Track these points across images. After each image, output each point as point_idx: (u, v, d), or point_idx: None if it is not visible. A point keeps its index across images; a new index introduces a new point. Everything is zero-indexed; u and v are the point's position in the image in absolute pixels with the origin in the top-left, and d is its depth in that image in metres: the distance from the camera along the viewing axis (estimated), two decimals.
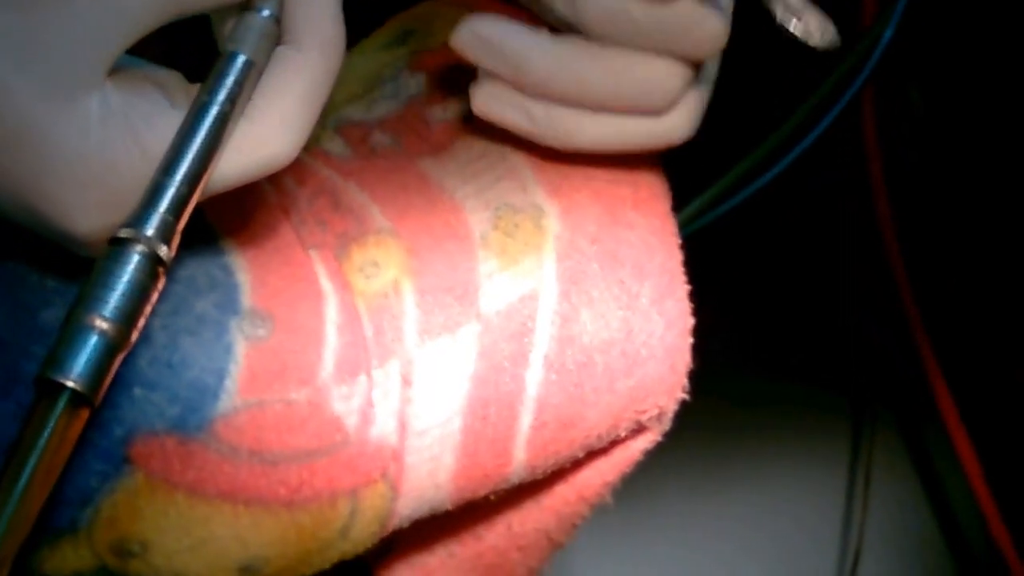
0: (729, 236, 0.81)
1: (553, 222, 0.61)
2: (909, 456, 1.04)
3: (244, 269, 0.57)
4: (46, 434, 0.46)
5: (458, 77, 0.63)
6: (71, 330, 0.47)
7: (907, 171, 0.95)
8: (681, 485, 1.03)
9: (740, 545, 1.03)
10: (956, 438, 0.95)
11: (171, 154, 0.49)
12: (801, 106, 0.81)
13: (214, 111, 0.49)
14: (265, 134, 0.51)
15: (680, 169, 0.67)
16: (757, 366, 1.03)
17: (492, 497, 0.64)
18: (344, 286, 0.58)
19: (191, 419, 0.55)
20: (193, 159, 0.49)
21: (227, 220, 0.58)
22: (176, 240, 0.49)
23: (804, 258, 1.00)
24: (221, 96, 0.49)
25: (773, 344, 1.03)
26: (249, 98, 0.50)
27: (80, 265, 0.53)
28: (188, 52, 0.55)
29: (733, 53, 0.62)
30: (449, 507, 0.62)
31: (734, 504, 1.04)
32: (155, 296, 0.48)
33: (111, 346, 0.47)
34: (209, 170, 0.49)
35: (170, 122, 0.49)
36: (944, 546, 1.03)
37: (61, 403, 0.46)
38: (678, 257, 0.63)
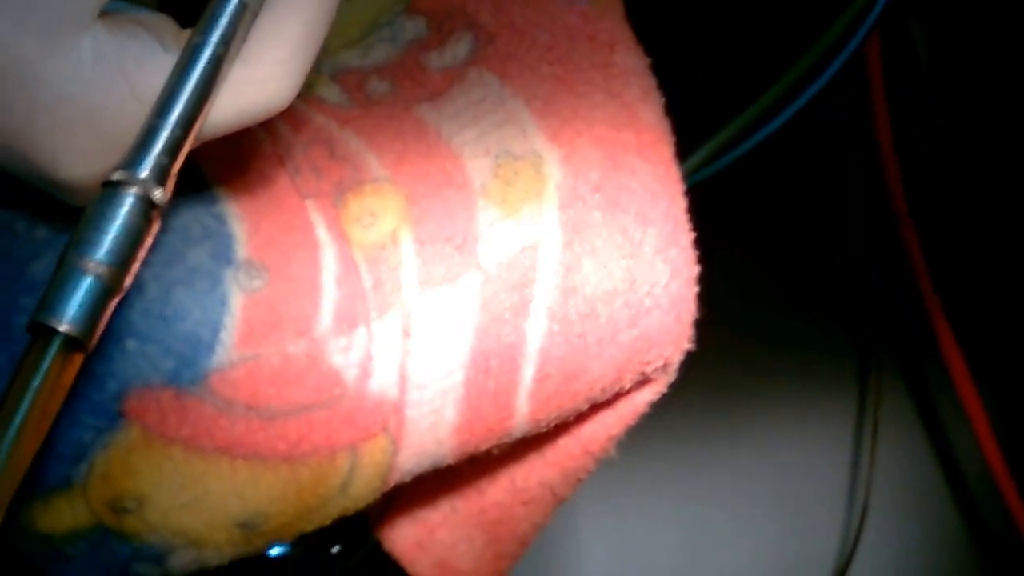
0: (733, 184, 0.79)
1: (554, 169, 0.60)
2: (916, 408, 1.03)
3: (238, 218, 0.56)
4: (39, 379, 0.45)
5: (456, 22, 0.62)
6: (63, 274, 0.45)
7: (912, 116, 0.93)
8: (685, 438, 1.02)
9: (747, 499, 1.02)
10: (962, 389, 0.94)
11: (165, 96, 0.48)
12: (806, 52, 0.80)
13: (208, 53, 0.48)
14: (261, 77, 0.50)
15: (685, 117, 0.66)
16: (761, 318, 1.02)
17: (495, 451, 0.63)
18: (341, 236, 0.57)
19: (186, 373, 0.54)
20: (187, 101, 0.48)
21: (221, 169, 0.57)
22: (171, 183, 0.48)
23: (809, 207, 0.99)
24: (215, 37, 0.48)
25: (778, 295, 1.02)
26: (244, 40, 0.49)
27: (71, 215, 0.52)
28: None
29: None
30: (451, 461, 0.61)
31: (740, 458, 1.03)
32: (149, 240, 0.47)
33: (105, 289, 0.46)
34: (204, 113, 0.48)
35: (162, 65, 0.48)
36: (951, 498, 1.02)
37: (54, 347, 0.45)
38: (682, 204, 0.62)
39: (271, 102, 0.50)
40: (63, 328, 0.45)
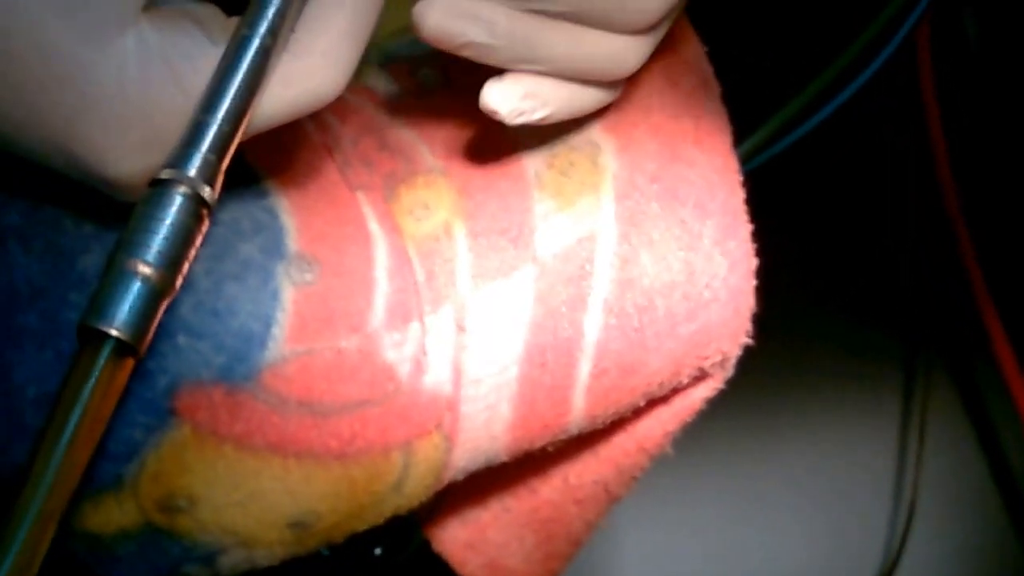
0: (779, 175, 0.78)
1: (610, 160, 0.58)
2: (964, 406, 1.01)
3: (289, 211, 0.55)
4: (90, 385, 0.44)
5: None
6: (113, 276, 0.45)
7: (963, 108, 0.92)
8: (727, 436, 1.00)
9: (791, 499, 1.01)
10: (1013, 387, 0.92)
11: (212, 91, 0.47)
12: (856, 40, 0.79)
13: (255, 44, 0.47)
14: (310, 68, 0.49)
15: (734, 105, 0.65)
16: (806, 311, 1.00)
17: (549, 448, 0.61)
18: (393, 229, 0.56)
19: (238, 368, 0.53)
20: (235, 95, 0.47)
21: (269, 161, 0.56)
22: (220, 181, 0.47)
23: (858, 198, 0.98)
24: (262, 29, 0.47)
25: (823, 288, 1.01)
26: (292, 30, 0.48)
27: (118, 210, 0.51)
28: None
29: None
30: (505, 459, 0.60)
31: (784, 457, 1.02)
32: (199, 239, 0.46)
33: (155, 292, 0.45)
34: (252, 107, 0.47)
35: (209, 58, 0.47)
36: (1000, 498, 1.01)
37: (105, 352, 0.44)
38: (740, 195, 0.61)
39: (321, 93, 0.49)
40: (114, 332, 0.44)
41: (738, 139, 0.67)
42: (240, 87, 0.47)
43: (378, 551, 0.75)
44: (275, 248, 0.54)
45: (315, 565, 0.70)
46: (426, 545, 0.73)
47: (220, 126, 0.46)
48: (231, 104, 0.47)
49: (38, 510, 0.43)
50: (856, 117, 0.79)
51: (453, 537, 0.69)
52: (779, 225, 0.66)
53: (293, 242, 0.54)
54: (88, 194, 0.51)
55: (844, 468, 1.01)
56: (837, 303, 1.01)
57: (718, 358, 0.62)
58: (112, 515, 0.54)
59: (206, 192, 0.46)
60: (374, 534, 0.63)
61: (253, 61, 0.47)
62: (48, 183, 0.52)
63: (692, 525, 0.99)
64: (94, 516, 0.54)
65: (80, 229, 0.53)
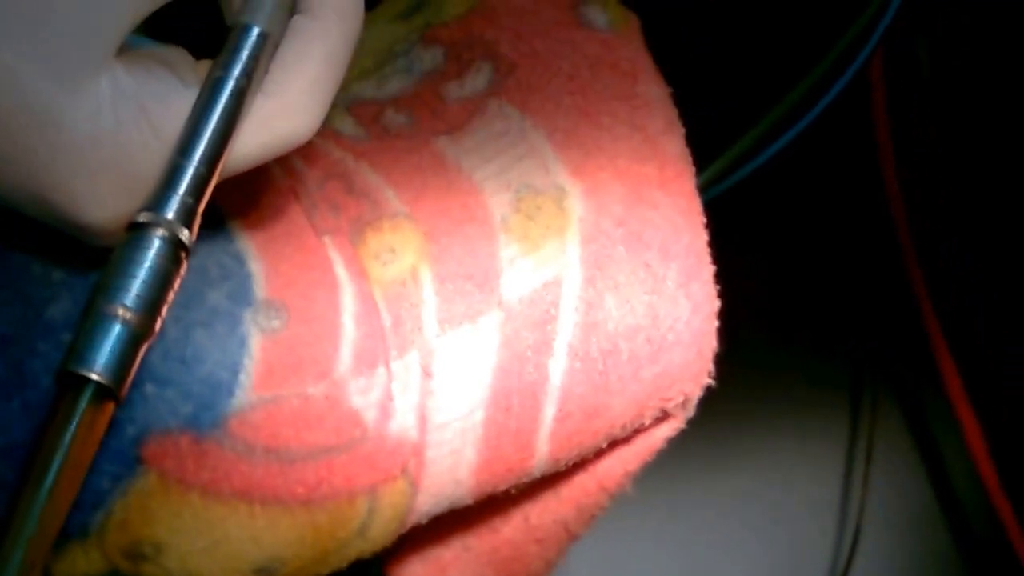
0: (733, 207, 0.78)
1: (576, 203, 0.58)
2: (910, 432, 1.02)
3: (256, 257, 0.55)
4: (71, 430, 0.44)
5: (475, 51, 0.60)
6: (92, 320, 0.44)
7: (915, 139, 0.93)
8: (676, 459, 1.01)
9: (739, 522, 1.02)
10: (960, 413, 0.93)
11: (187, 133, 0.47)
12: (810, 73, 0.79)
13: (230, 86, 0.47)
14: (284, 109, 0.48)
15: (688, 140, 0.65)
16: (755, 337, 1.01)
17: (513, 490, 0.61)
18: (360, 274, 0.55)
19: (205, 416, 0.53)
20: (211, 138, 0.47)
21: (236, 206, 0.55)
22: (197, 223, 0.47)
23: (810, 229, 0.98)
24: (236, 71, 0.47)
25: (772, 315, 1.01)
26: (266, 72, 0.48)
27: (87, 256, 0.51)
28: (174, 30, 0.52)
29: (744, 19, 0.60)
30: (469, 502, 0.60)
31: (732, 480, 1.02)
32: (177, 282, 0.46)
33: (135, 336, 0.45)
34: (228, 148, 0.47)
35: (183, 101, 0.47)
36: (945, 520, 1.02)
37: (85, 397, 0.44)
38: (704, 237, 0.61)
39: (295, 134, 0.49)
40: (94, 376, 0.44)
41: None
42: (216, 129, 0.47)
43: None
44: (243, 295, 0.54)
45: None
46: None
47: (197, 168, 0.46)
48: (207, 146, 0.46)
49: (21, 559, 0.43)
50: (809, 150, 0.79)
51: (413, 575, 0.69)
52: (729, 255, 0.66)
53: (260, 289, 0.54)
54: (56, 240, 0.50)
55: (790, 492, 1.02)
56: (784, 330, 1.02)
57: (680, 399, 0.62)
58: (77, 563, 0.54)
59: (184, 235, 0.46)
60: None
61: (228, 103, 0.47)
62: (15, 229, 0.52)
63: (639, 551, 1.00)
64: (59, 564, 0.54)
65: (48, 276, 0.52)
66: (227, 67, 0.47)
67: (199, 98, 0.47)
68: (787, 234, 0.99)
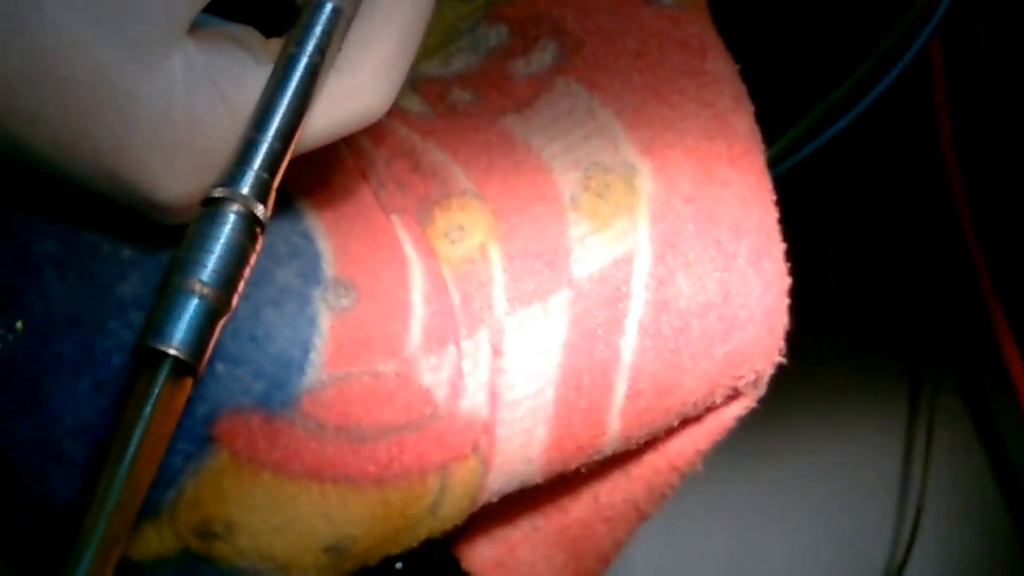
0: (793, 188, 0.78)
1: (646, 181, 0.58)
2: (971, 413, 1.01)
3: (324, 236, 0.54)
4: (150, 405, 0.43)
5: (541, 28, 0.60)
6: (169, 295, 0.44)
7: (975, 120, 0.92)
8: (734, 442, 1.00)
9: (798, 505, 1.01)
10: (1021, 394, 0.92)
11: (262, 109, 0.46)
12: (871, 52, 0.78)
13: (304, 62, 0.47)
14: (358, 86, 0.48)
15: None
16: (816, 321, 1.00)
17: (582, 469, 0.61)
18: (428, 252, 0.55)
19: (276, 395, 0.52)
20: (285, 113, 0.46)
21: (304, 184, 0.55)
22: (272, 199, 0.46)
23: (867, 209, 0.97)
24: (310, 47, 0.47)
25: (832, 298, 1.00)
26: (339, 48, 0.48)
27: (156, 234, 0.51)
28: (241, 10, 0.52)
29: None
30: (540, 480, 0.60)
31: (791, 462, 1.01)
32: (253, 258, 0.46)
33: (212, 311, 0.44)
34: (302, 125, 0.47)
35: (256, 78, 0.47)
36: (1006, 506, 1.01)
37: (164, 372, 0.44)
38: (774, 215, 0.61)
39: (368, 111, 0.49)
40: (172, 351, 0.43)
41: None
42: (290, 105, 0.46)
43: (399, 565, 0.75)
44: (312, 273, 0.53)
45: None
46: (448, 560, 0.73)
47: (271, 144, 0.46)
48: (282, 122, 0.46)
49: (103, 534, 0.42)
50: (868, 132, 0.78)
51: (482, 556, 0.69)
52: (791, 237, 0.65)
53: (329, 267, 0.54)
54: (125, 219, 0.50)
55: (850, 475, 1.01)
56: (846, 312, 1.01)
57: (751, 377, 0.62)
58: (150, 542, 0.54)
59: (259, 210, 0.45)
60: None
61: (302, 79, 0.46)
62: (85, 208, 0.52)
63: (700, 533, 0.99)
64: (131, 543, 0.54)
65: (117, 255, 0.52)
66: (301, 43, 0.47)
67: (273, 73, 0.47)
68: (847, 215, 0.98)
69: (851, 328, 1.01)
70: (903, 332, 1.01)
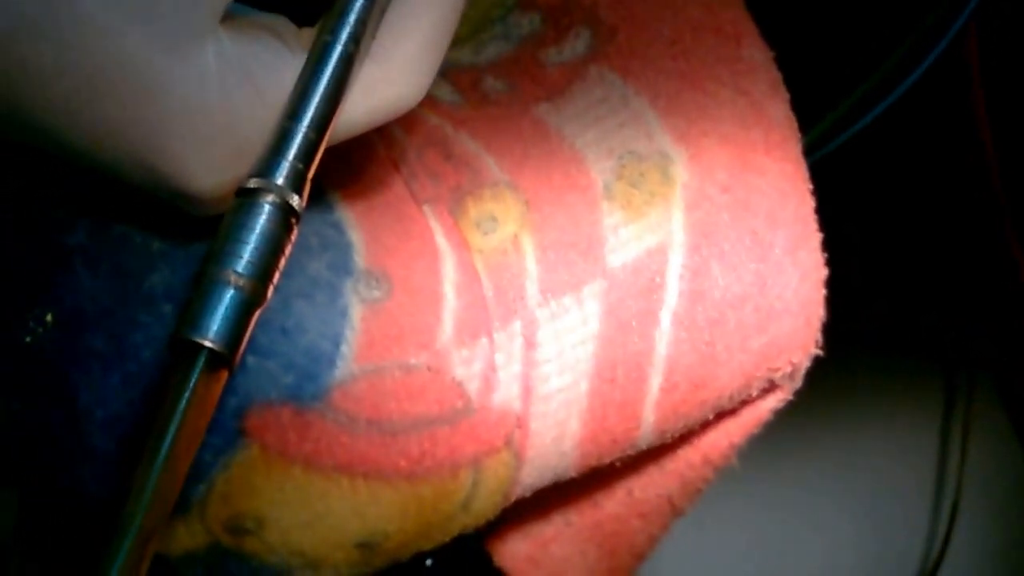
0: (825, 176, 0.77)
1: (681, 170, 0.57)
2: (1007, 407, 1.00)
3: (356, 227, 0.54)
4: (185, 398, 0.43)
5: (574, 16, 0.59)
6: (204, 287, 0.43)
7: (1014, 108, 0.91)
8: (773, 436, 0.99)
9: (833, 500, 1.00)
10: None
11: (296, 98, 0.46)
12: (905, 39, 0.77)
13: (338, 51, 0.46)
14: (392, 75, 0.48)
15: None
16: (852, 312, 0.99)
17: (616, 463, 0.60)
18: (461, 243, 0.54)
19: (307, 388, 0.52)
20: (320, 103, 0.45)
21: (335, 175, 0.55)
22: (307, 189, 0.45)
23: (904, 201, 0.96)
24: (344, 35, 0.46)
25: (868, 289, 0.99)
26: (373, 37, 0.47)
27: (187, 227, 0.50)
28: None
29: None
30: (573, 474, 0.59)
31: (828, 456, 1.00)
32: (288, 249, 0.45)
33: (247, 302, 0.44)
34: (336, 114, 0.46)
35: (289, 68, 0.46)
36: None
37: (199, 364, 0.43)
38: (811, 204, 0.60)
39: (402, 100, 0.48)
40: (208, 344, 0.43)
41: None
42: (325, 94, 0.46)
43: (429, 563, 0.74)
44: (343, 265, 0.53)
45: None
46: (478, 557, 0.72)
47: (306, 133, 0.45)
48: (316, 111, 0.45)
49: (138, 529, 0.42)
50: (903, 120, 0.77)
51: (514, 551, 0.68)
52: (826, 224, 0.64)
53: (361, 258, 0.53)
54: (156, 212, 0.50)
55: (887, 468, 1.00)
56: (882, 303, 1.00)
57: (788, 369, 0.61)
58: (179, 537, 0.53)
59: (294, 200, 0.45)
60: None
61: (337, 68, 0.46)
62: (115, 201, 0.51)
63: (731, 529, 0.98)
64: (161, 538, 0.53)
65: (148, 248, 0.52)
66: (335, 32, 0.46)
67: (307, 62, 0.46)
68: (882, 202, 0.97)
69: (884, 321, 1.00)
70: (938, 326, 1.00)
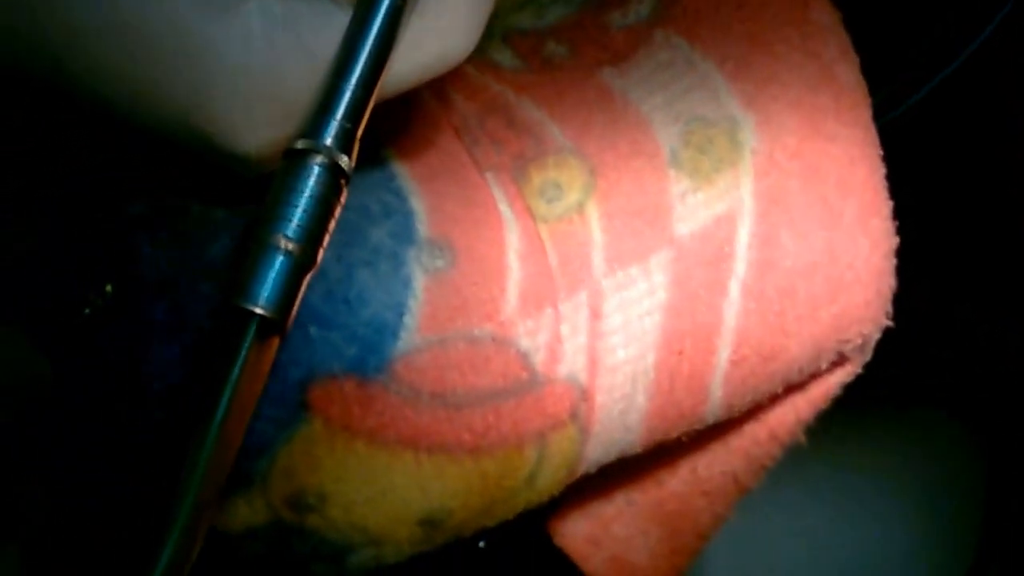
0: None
1: (749, 135, 0.55)
2: None
3: (418, 195, 0.52)
4: (238, 366, 0.42)
5: None
6: (255, 252, 0.42)
7: None
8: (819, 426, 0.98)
9: (882, 490, 0.98)
10: None
11: (343, 56, 0.44)
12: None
13: (385, 5, 0.45)
14: (440, 28, 0.46)
15: None
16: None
17: (683, 439, 0.58)
18: (524, 212, 0.53)
19: (370, 360, 0.50)
20: (367, 59, 0.44)
21: (397, 143, 0.53)
22: (356, 149, 0.44)
23: (969, 168, 0.94)
24: None
25: (919, 271, 0.97)
26: None
27: (247, 194, 0.48)
28: None
29: None
30: (639, 450, 0.58)
31: (875, 448, 0.99)
32: (338, 211, 0.44)
33: (298, 266, 0.43)
34: (385, 70, 0.45)
35: (336, 24, 0.45)
36: None
37: (251, 332, 0.42)
38: (881, 171, 0.58)
39: (451, 55, 0.47)
40: (259, 311, 0.42)
41: None
42: (372, 50, 0.44)
43: (482, 544, 0.73)
44: (406, 233, 0.51)
45: (414, 558, 0.68)
46: (533, 540, 0.71)
47: (354, 91, 0.44)
48: (364, 68, 0.44)
49: (193, 500, 0.41)
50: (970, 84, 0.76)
51: (575, 531, 0.66)
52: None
53: (424, 227, 0.52)
54: (215, 179, 0.48)
55: (942, 455, 0.99)
56: (933, 279, 0.98)
57: (858, 341, 0.59)
58: (241, 513, 0.52)
59: (343, 161, 0.43)
60: None
61: (384, 22, 0.45)
62: (174, 169, 0.50)
63: (774, 520, 0.97)
64: (222, 515, 0.52)
65: (208, 216, 0.51)
66: None
67: (353, 18, 0.45)
68: (936, 177, 0.95)
69: (933, 296, 0.98)
70: (972, 318, 0.98)
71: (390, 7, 0.45)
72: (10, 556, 0.56)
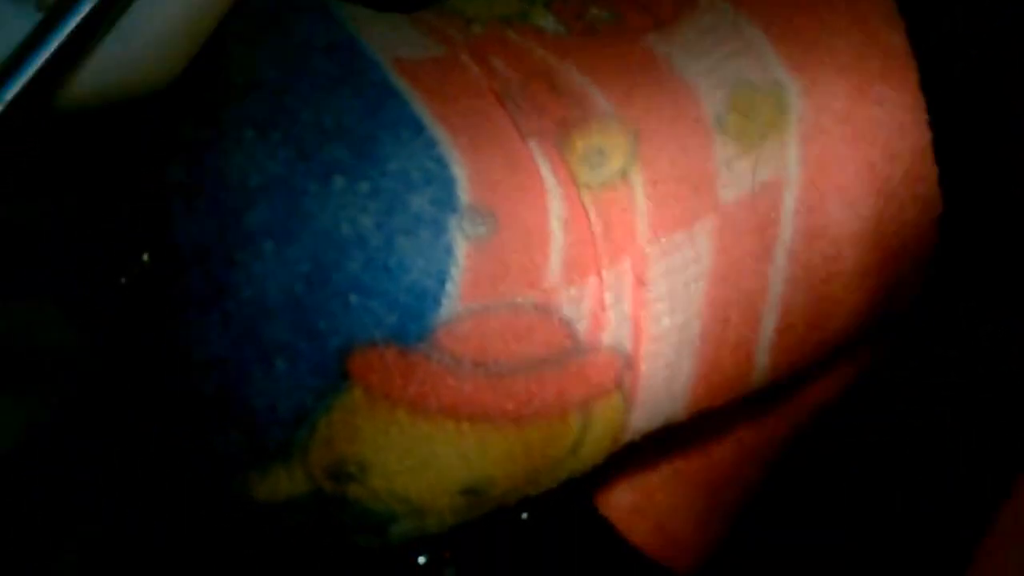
0: None
1: (796, 100, 0.55)
2: None
3: (459, 161, 0.52)
4: None
5: None
6: None
7: None
8: None
9: None
10: None
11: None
12: None
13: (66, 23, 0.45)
14: (135, 56, 0.46)
15: None
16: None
17: (729, 407, 0.58)
18: (568, 178, 0.52)
19: (411, 328, 0.50)
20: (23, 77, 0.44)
21: (436, 107, 0.52)
22: None
23: None
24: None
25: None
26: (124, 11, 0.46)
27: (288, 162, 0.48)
28: None
29: None
30: (684, 419, 0.57)
31: None
32: None
33: None
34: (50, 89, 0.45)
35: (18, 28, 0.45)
36: None
37: None
38: (929, 136, 0.57)
39: (143, 85, 0.47)
40: None
41: None
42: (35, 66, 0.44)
43: (524, 515, 0.72)
44: (447, 200, 0.51)
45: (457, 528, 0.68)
46: (576, 510, 0.70)
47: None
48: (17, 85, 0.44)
49: None
50: None
51: (619, 502, 0.66)
52: None
53: (465, 193, 0.51)
54: (254, 146, 0.48)
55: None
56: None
57: (906, 308, 0.58)
58: (281, 483, 0.52)
59: None
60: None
61: (57, 40, 0.45)
62: (209, 135, 0.49)
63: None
64: (262, 485, 0.52)
65: (245, 183, 0.50)
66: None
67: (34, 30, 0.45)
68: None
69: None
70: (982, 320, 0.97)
71: (73, 25, 0.44)
72: (69, 552, 0.56)
